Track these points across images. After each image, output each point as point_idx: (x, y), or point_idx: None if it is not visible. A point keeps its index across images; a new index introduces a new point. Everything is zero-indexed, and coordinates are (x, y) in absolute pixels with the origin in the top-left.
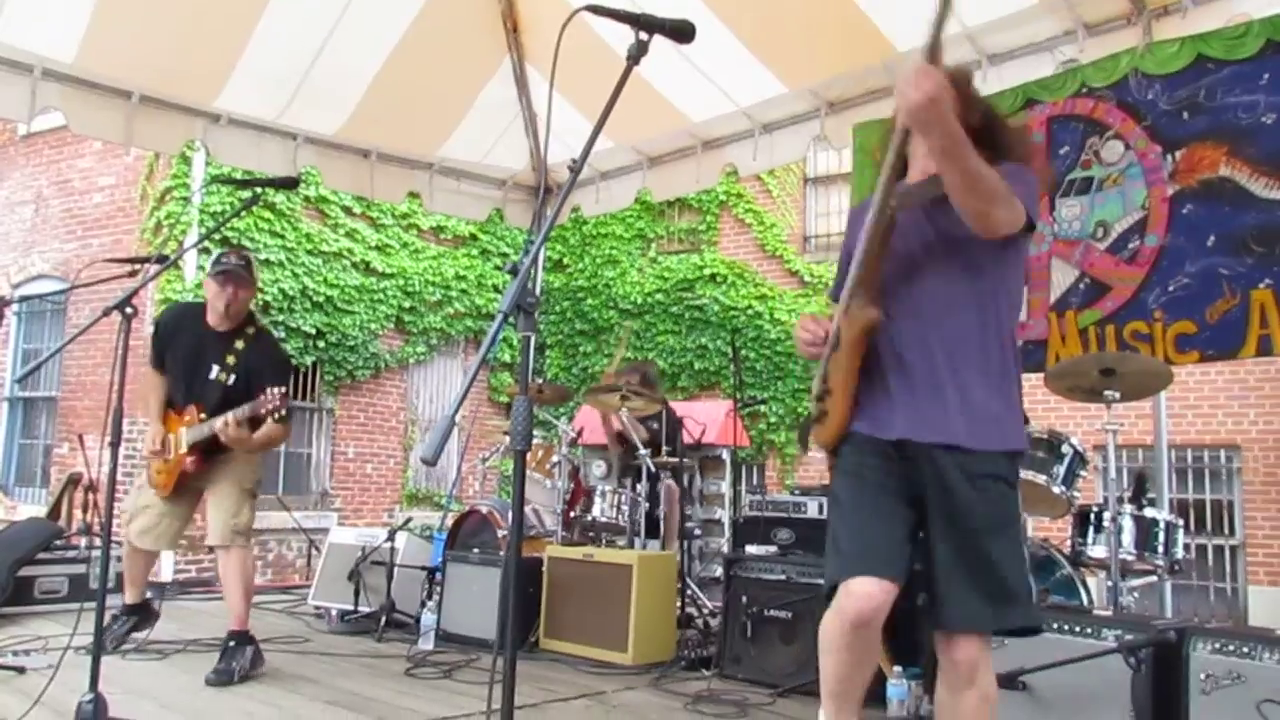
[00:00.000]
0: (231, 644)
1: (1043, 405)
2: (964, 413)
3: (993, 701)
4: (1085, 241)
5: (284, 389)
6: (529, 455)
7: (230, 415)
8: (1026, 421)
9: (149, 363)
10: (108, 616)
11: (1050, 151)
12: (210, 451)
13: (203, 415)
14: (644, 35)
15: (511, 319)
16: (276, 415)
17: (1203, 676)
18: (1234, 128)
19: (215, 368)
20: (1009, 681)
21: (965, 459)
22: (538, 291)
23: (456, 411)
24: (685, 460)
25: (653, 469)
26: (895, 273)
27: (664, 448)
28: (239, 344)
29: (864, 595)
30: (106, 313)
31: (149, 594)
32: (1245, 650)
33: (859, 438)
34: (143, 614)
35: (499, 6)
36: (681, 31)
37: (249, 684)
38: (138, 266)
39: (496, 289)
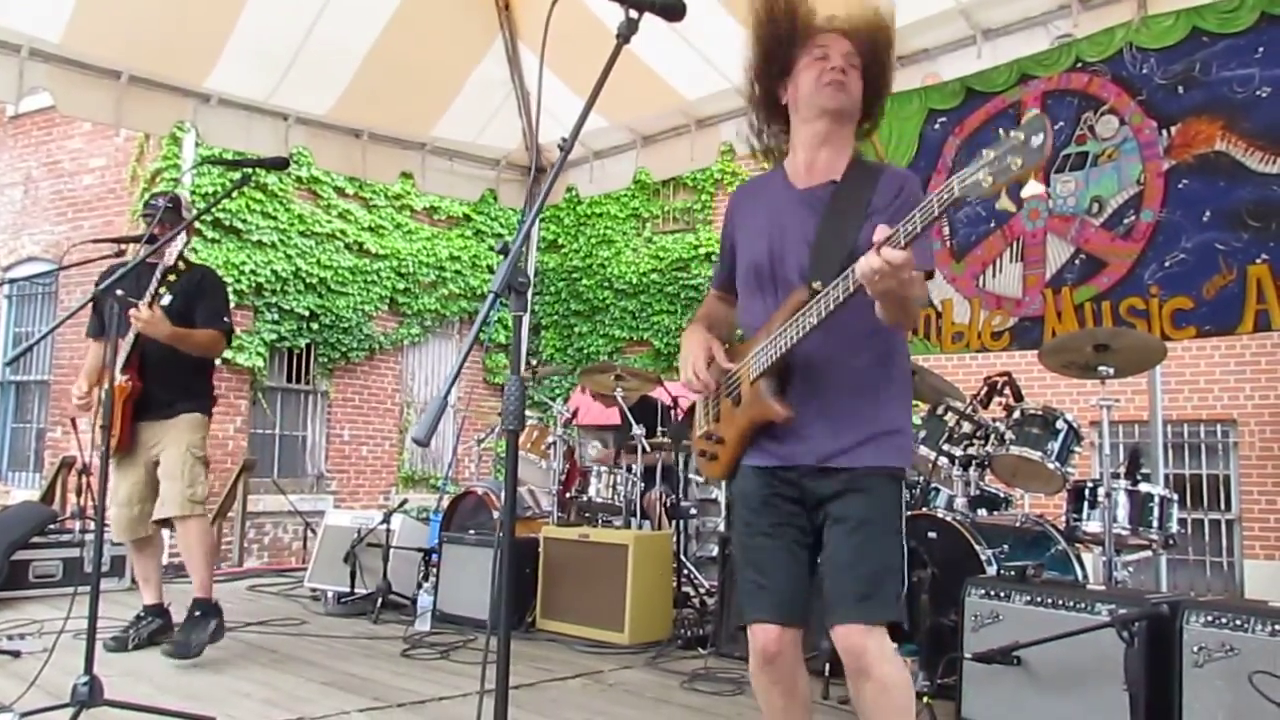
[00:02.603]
0: (196, 614)
1: (1038, 382)
2: (844, 437)
3: (895, 688)
4: (1080, 217)
5: (226, 314)
6: (524, 436)
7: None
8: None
9: (86, 333)
10: (125, 611)
11: None
12: (153, 402)
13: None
14: (633, 13)
15: (504, 299)
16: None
17: (1195, 649)
18: (1229, 101)
19: (157, 296)
20: (1003, 656)
21: (844, 476)
22: (531, 272)
23: (449, 392)
24: (680, 441)
25: (647, 448)
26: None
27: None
28: (172, 276)
29: (764, 635)
30: (96, 296)
31: (168, 601)
32: (1238, 623)
33: (747, 470)
34: (164, 619)
35: None
36: (671, 9)
37: (245, 666)
38: (125, 247)
39: (490, 269)
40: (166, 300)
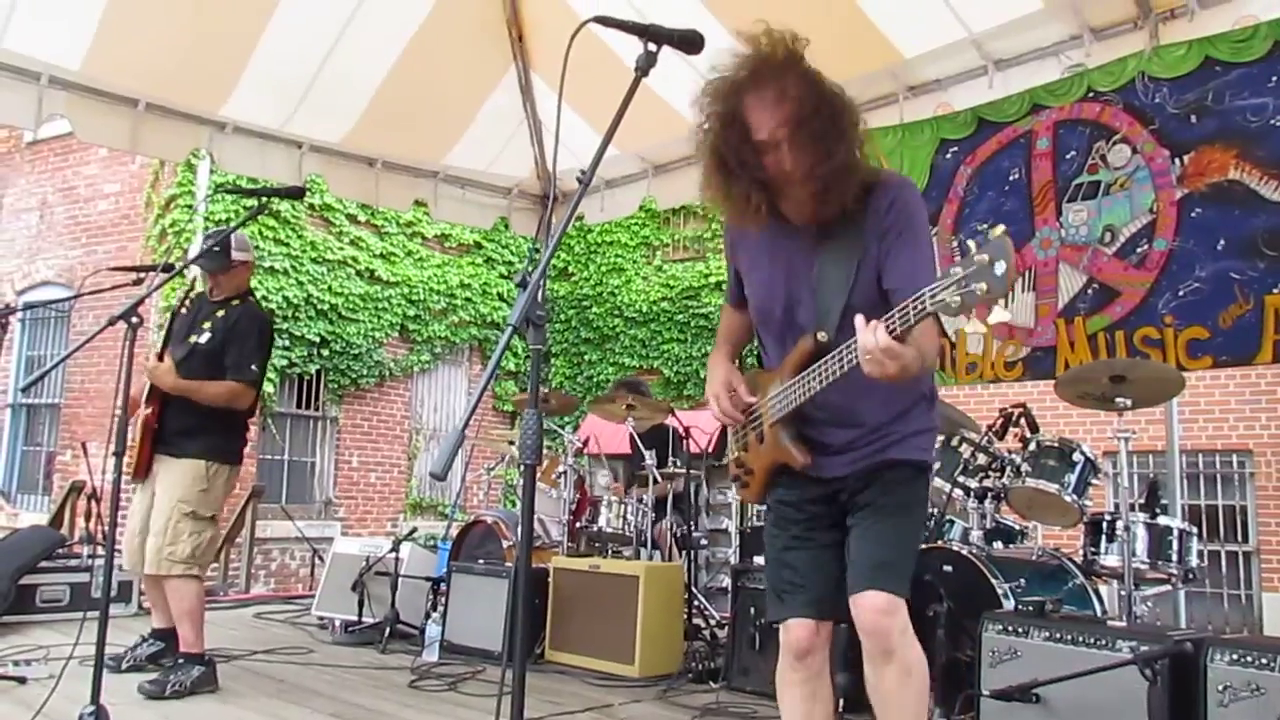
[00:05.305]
0: (180, 660)
1: (1052, 412)
2: (872, 447)
3: (916, 672)
4: (1093, 246)
5: (254, 362)
6: None
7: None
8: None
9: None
10: (134, 637)
11: (1056, 156)
12: (165, 434)
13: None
14: (652, 46)
15: (521, 332)
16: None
17: (1220, 688)
18: (1243, 130)
19: (199, 331)
20: (1023, 693)
21: (873, 473)
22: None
23: (466, 425)
24: (691, 470)
25: (658, 478)
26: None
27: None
28: (221, 312)
29: (799, 630)
30: (112, 322)
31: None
32: (1264, 661)
33: (783, 479)
34: (169, 644)
35: (504, 14)
36: (690, 42)
37: (251, 695)
38: (142, 275)
39: (501, 297)
40: (205, 337)
